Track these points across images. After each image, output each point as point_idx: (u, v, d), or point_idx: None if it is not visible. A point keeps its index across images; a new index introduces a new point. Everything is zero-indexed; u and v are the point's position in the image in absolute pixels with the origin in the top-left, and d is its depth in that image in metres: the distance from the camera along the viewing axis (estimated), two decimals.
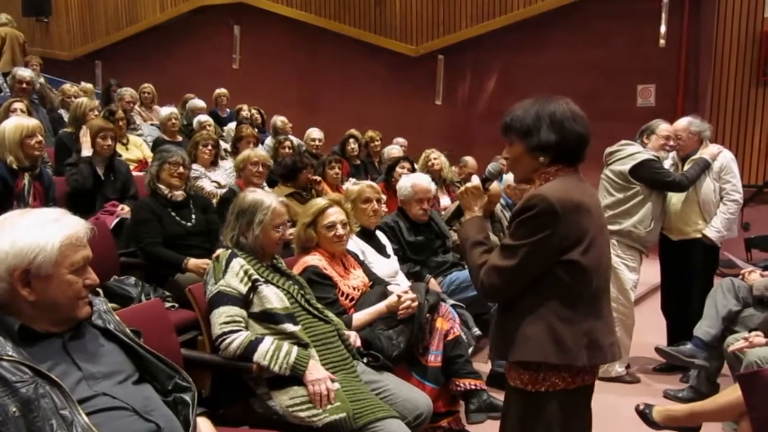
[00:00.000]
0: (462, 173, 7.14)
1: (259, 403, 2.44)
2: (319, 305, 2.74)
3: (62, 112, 6.41)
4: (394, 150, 6.94)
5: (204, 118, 6.85)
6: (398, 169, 5.59)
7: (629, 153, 4.15)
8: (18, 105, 4.91)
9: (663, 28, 8.41)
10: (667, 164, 4.33)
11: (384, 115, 9.66)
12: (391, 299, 2.94)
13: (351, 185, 4.18)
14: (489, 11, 9.48)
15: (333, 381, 2.41)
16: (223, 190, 4.76)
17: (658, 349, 3.88)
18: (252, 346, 2.40)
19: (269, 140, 7.06)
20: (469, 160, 7.23)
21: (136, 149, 5.66)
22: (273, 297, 2.53)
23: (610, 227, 3.96)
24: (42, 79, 8.39)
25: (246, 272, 2.53)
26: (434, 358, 3.07)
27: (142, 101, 7.42)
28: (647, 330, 4.62)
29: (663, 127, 4.24)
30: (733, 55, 7.97)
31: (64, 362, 1.61)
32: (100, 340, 1.74)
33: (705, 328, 3.68)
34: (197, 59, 11.53)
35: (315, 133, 7.21)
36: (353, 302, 3.03)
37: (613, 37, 8.76)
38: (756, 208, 7.71)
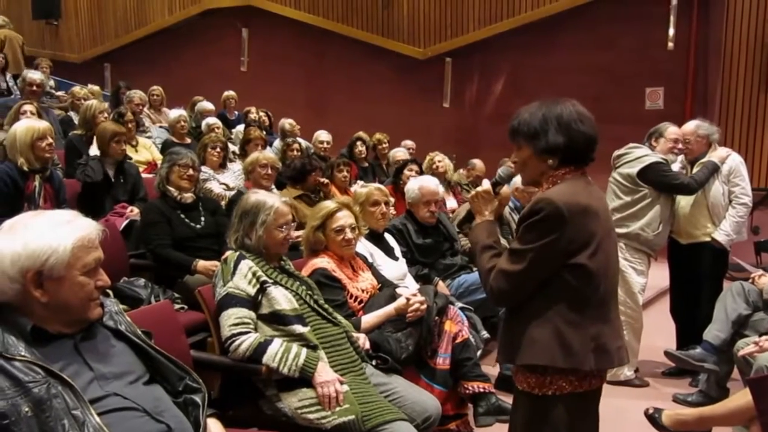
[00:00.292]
0: (470, 176, 7.14)
1: (268, 404, 2.44)
2: (328, 307, 2.74)
3: (72, 114, 6.45)
4: (399, 152, 6.94)
5: (212, 120, 6.87)
6: (406, 172, 5.59)
7: (637, 156, 4.14)
8: (28, 107, 4.95)
9: (672, 31, 8.41)
10: (676, 167, 4.32)
11: (392, 118, 9.67)
12: (400, 302, 2.94)
13: (359, 188, 4.18)
14: (497, 14, 9.48)
15: (342, 383, 2.41)
16: (232, 192, 4.77)
17: (667, 353, 3.87)
18: (261, 348, 2.41)
19: (277, 143, 7.09)
20: (477, 162, 7.22)
21: (145, 151, 5.68)
22: (282, 298, 2.53)
23: (618, 230, 3.95)
24: (52, 82, 8.47)
25: (254, 274, 2.54)
26: (443, 361, 3.07)
27: (151, 104, 7.45)
28: (656, 334, 4.60)
29: (671, 130, 4.23)
30: (742, 58, 7.94)
31: (75, 362, 1.62)
32: (112, 340, 1.75)
33: (715, 332, 3.66)
34: (205, 62, 11.58)
35: (323, 135, 7.22)
36: (362, 305, 3.03)
37: (621, 39, 8.76)
38: (766, 211, 7.68)
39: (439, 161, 6.21)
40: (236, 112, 8.52)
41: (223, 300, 2.50)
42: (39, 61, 8.63)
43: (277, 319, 2.51)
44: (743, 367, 3.27)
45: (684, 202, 4.26)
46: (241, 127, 7.36)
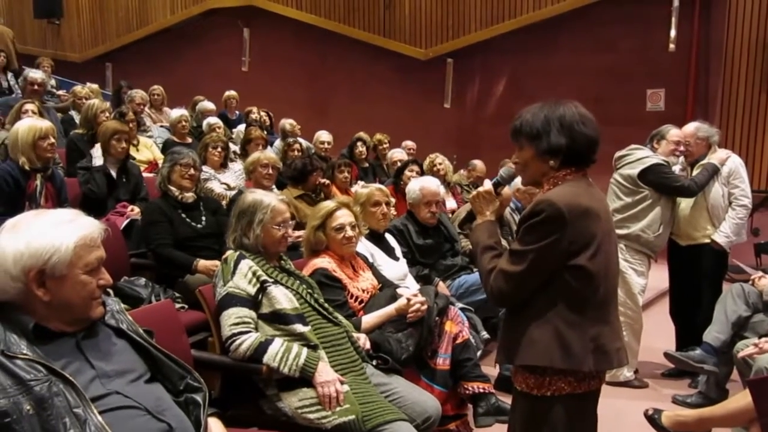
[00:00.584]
0: (470, 176, 7.15)
1: (269, 404, 2.45)
2: (328, 306, 2.74)
3: (73, 113, 6.45)
4: (397, 153, 6.94)
5: (213, 120, 6.88)
6: (407, 173, 5.59)
7: (638, 157, 4.15)
8: (29, 106, 4.95)
9: (673, 33, 8.41)
10: (676, 169, 4.32)
11: (392, 118, 9.68)
12: (401, 302, 2.94)
13: (360, 188, 4.19)
14: (498, 15, 9.48)
15: (342, 383, 2.41)
16: (233, 192, 4.78)
17: (667, 355, 3.87)
18: (262, 347, 2.41)
19: (278, 143, 7.09)
20: (478, 163, 7.23)
21: (146, 151, 5.69)
22: (282, 298, 2.54)
23: (619, 231, 3.95)
24: (53, 81, 8.46)
25: (254, 273, 2.54)
26: (443, 362, 3.06)
27: (152, 103, 7.45)
28: (656, 335, 4.61)
29: (673, 133, 4.23)
30: (743, 60, 7.95)
31: (77, 360, 1.62)
32: (113, 339, 1.75)
33: (714, 333, 3.67)
34: (207, 62, 11.59)
35: (324, 135, 7.22)
36: (362, 305, 3.03)
37: (622, 41, 8.76)
38: (766, 213, 7.69)
39: (440, 164, 6.22)
40: (237, 112, 8.53)
41: (223, 300, 2.50)
42: (40, 61, 8.63)
43: (277, 319, 2.51)
44: (743, 368, 3.28)
45: (684, 203, 4.27)
46: (242, 127, 7.37)
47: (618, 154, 4.29)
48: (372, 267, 3.33)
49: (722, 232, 4.15)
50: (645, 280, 4.23)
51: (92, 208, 4.01)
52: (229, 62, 11.48)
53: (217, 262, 3.45)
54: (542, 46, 9.26)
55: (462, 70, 10.05)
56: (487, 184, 2.14)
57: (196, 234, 3.73)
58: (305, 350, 2.45)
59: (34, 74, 6.13)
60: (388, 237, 3.80)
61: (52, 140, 3.76)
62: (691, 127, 4.34)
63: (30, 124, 3.76)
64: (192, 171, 3.81)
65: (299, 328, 2.51)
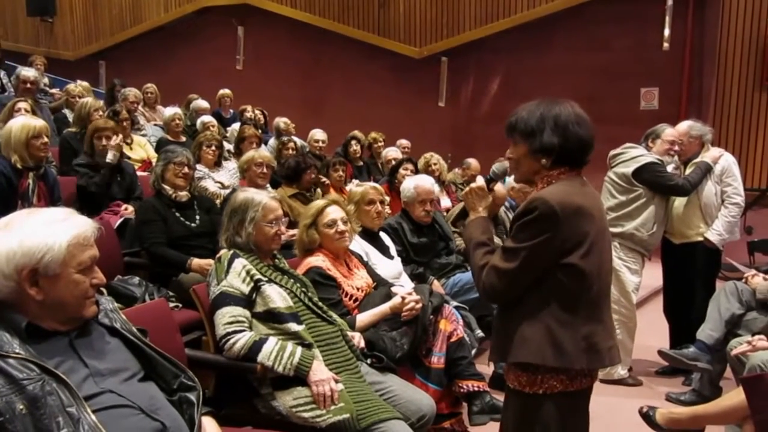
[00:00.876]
0: (465, 175, 7.16)
1: (263, 403, 2.44)
2: (322, 305, 2.74)
3: (66, 111, 6.42)
4: (391, 152, 6.94)
5: (207, 118, 6.86)
6: (401, 171, 5.60)
7: (633, 156, 4.16)
8: (22, 104, 4.92)
9: (667, 32, 8.43)
10: (670, 168, 4.33)
11: (387, 117, 9.67)
12: (395, 300, 2.94)
13: (354, 187, 4.18)
14: (493, 13, 9.49)
15: (337, 382, 2.41)
16: (227, 191, 4.77)
17: (660, 352, 3.88)
18: (256, 346, 2.40)
19: (272, 141, 7.08)
20: (472, 162, 7.24)
21: (140, 149, 5.68)
22: (276, 296, 2.53)
23: (613, 230, 3.96)
24: (46, 79, 8.42)
25: (248, 272, 2.54)
26: (437, 360, 3.07)
27: (146, 101, 7.43)
28: (650, 333, 4.62)
29: (668, 132, 4.24)
30: (737, 59, 7.97)
31: (70, 359, 1.62)
32: (107, 338, 1.75)
33: (708, 331, 3.68)
34: (201, 60, 11.56)
35: (318, 134, 7.21)
36: (357, 303, 3.03)
37: (616, 40, 8.78)
38: (759, 211, 7.71)
39: (435, 164, 6.23)
40: (231, 111, 8.50)
41: (217, 299, 2.50)
42: (33, 59, 8.58)
43: (272, 318, 2.51)
44: (736, 366, 3.29)
45: (677, 202, 4.28)
46: (236, 126, 7.35)
47: (612, 152, 4.29)
48: (366, 265, 3.33)
49: (715, 230, 4.16)
50: (639, 279, 4.24)
51: (89, 207, 4.02)
52: (223, 60, 11.45)
53: (211, 261, 3.44)
54: (537, 44, 9.27)
55: (456, 68, 10.06)
56: (480, 181, 2.14)
57: (190, 233, 3.72)
58: (299, 349, 2.44)
59: (27, 72, 6.09)
60: (383, 235, 3.80)
61: (46, 139, 3.74)
62: (684, 125, 4.35)
63: (23, 122, 3.74)
64: (186, 169, 3.80)
65: (293, 327, 2.50)
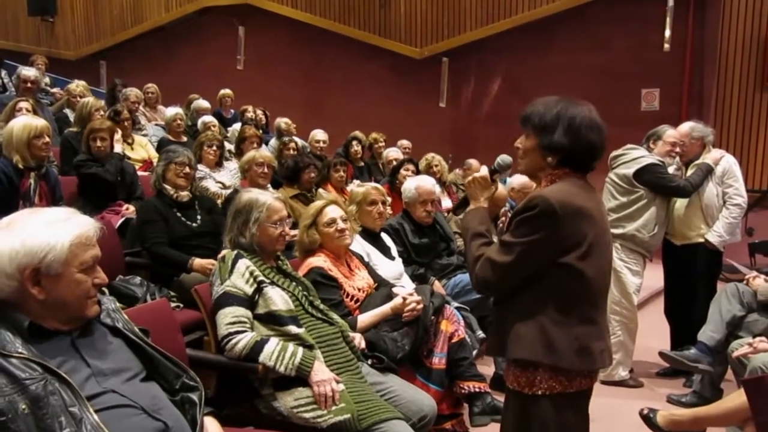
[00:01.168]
0: (466, 176, 7.14)
1: (264, 403, 2.44)
2: (323, 307, 2.74)
3: (68, 111, 6.42)
4: (392, 152, 6.94)
5: (208, 118, 6.86)
6: (402, 172, 5.59)
7: (634, 157, 4.16)
8: (24, 104, 4.92)
9: (668, 33, 8.44)
10: (671, 169, 4.33)
11: (388, 117, 9.66)
12: (396, 301, 2.94)
13: (356, 187, 4.18)
14: (494, 14, 9.49)
15: (338, 382, 2.41)
16: (228, 191, 4.77)
17: (661, 354, 3.88)
18: (258, 346, 2.40)
19: (273, 141, 7.08)
20: (473, 162, 7.24)
21: (141, 149, 5.67)
22: (278, 299, 2.53)
23: (614, 231, 3.96)
24: (47, 79, 8.42)
25: (252, 273, 2.54)
26: (438, 361, 3.07)
27: (146, 101, 7.42)
28: (651, 334, 4.62)
29: (670, 133, 4.24)
30: (738, 60, 7.97)
31: (73, 359, 1.61)
32: (109, 337, 1.75)
33: (709, 333, 3.68)
34: (202, 60, 11.56)
35: (319, 134, 7.21)
36: (358, 304, 3.03)
37: (617, 41, 8.79)
38: (760, 213, 7.71)
39: (436, 165, 6.23)
40: (232, 111, 8.50)
41: (220, 298, 2.50)
42: (34, 58, 8.58)
43: (272, 320, 2.51)
44: (737, 368, 3.29)
45: (678, 203, 4.28)
46: (237, 126, 7.35)
47: (614, 153, 4.29)
48: (368, 266, 3.33)
49: (715, 232, 4.16)
50: (640, 280, 4.24)
51: (96, 200, 4.06)
52: (224, 61, 11.45)
53: (213, 261, 3.45)
54: (537, 45, 9.27)
55: (457, 69, 10.06)
56: (484, 170, 2.14)
57: (191, 233, 3.72)
58: (301, 349, 2.44)
59: (27, 72, 6.08)
60: (384, 236, 3.80)
61: (47, 139, 3.74)
62: (685, 126, 4.35)
63: (25, 122, 3.74)
64: (187, 169, 3.80)
65: (293, 329, 2.50)
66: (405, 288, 3.23)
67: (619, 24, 8.70)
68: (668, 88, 8.66)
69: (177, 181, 3.76)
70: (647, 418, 3.06)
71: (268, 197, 2.71)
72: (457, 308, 3.48)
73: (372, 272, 3.30)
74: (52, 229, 1.59)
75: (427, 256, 4.07)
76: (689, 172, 4.25)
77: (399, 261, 3.73)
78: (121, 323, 1.81)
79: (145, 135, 6.26)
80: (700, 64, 8.48)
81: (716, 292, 3.96)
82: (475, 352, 3.41)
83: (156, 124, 6.96)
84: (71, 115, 6.03)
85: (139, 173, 4.84)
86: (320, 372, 2.40)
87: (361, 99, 10.41)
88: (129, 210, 4.14)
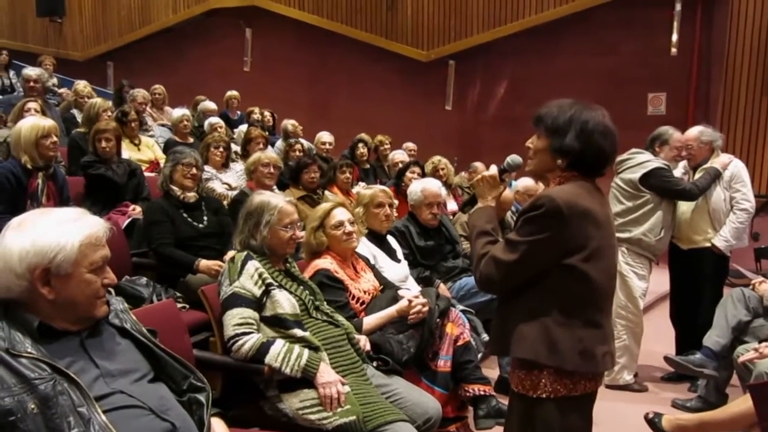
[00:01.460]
0: (471, 179, 7.14)
1: (269, 405, 2.45)
2: (329, 309, 2.75)
3: (75, 112, 6.45)
4: (398, 155, 6.95)
5: (215, 120, 6.87)
6: (408, 174, 5.59)
7: (639, 161, 4.16)
8: (32, 105, 4.94)
9: (675, 37, 8.44)
10: (679, 173, 4.33)
11: (394, 120, 9.68)
12: (402, 304, 2.94)
13: (362, 189, 4.19)
14: (500, 17, 9.50)
15: (343, 384, 2.42)
16: (234, 192, 4.78)
17: (667, 358, 3.87)
18: (264, 348, 2.41)
19: (279, 143, 7.09)
20: (479, 165, 7.23)
21: (148, 150, 5.69)
22: (285, 302, 2.54)
23: (620, 235, 3.97)
24: (55, 80, 8.45)
25: (260, 275, 2.55)
26: (444, 363, 3.07)
27: (153, 102, 7.45)
28: (656, 339, 4.62)
29: (677, 137, 4.25)
30: (745, 64, 7.95)
31: (81, 359, 1.62)
32: (117, 338, 1.75)
33: (715, 337, 3.67)
34: (208, 61, 11.60)
35: (325, 136, 7.22)
36: (364, 306, 3.03)
37: (624, 44, 8.78)
38: (766, 218, 7.68)
39: (442, 168, 6.23)
40: (239, 112, 8.53)
41: (228, 299, 2.51)
42: (42, 59, 8.63)
43: (278, 323, 2.52)
44: (743, 373, 3.28)
45: (685, 207, 4.28)
46: (243, 127, 7.36)
47: (619, 158, 4.29)
48: (373, 268, 3.33)
49: (722, 236, 4.16)
50: (646, 284, 4.24)
51: (106, 200, 4.12)
52: (230, 62, 11.48)
53: (219, 262, 3.47)
54: (544, 48, 9.27)
55: (464, 72, 10.06)
56: (493, 169, 2.14)
57: (197, 234, 3.73)
58: (307, 351, 2.45)
59: (30, 71, 6.10)
60: (390, 239, 3.80)
61: (55, 139, 3.75)
62: (695, 130, 4.34)
63: (33, 122, 3.76)
64: (194, 170, 3.81)
65: (299, 333, 2.51)
66: (410, 290, 3.24)
67: (625, 28, 8.70)
68: (675, 93, 8.65)
69: (184, 182, 3.78)
70: (652, 422, 3.05)
71: (280, 200, 2.72)
72: (463, 311, 3.48)
73: (378, 274, 3.30)
74: (63, 229, 1.60)
75: (433, 259, 4.08)
76: (697, 176, 4.24)
77: (405, 263, 3.73)
78: (129, 324, 1.81)
79: (151, 136, 6.29)
80: (707, 68, 8.47)
81: (722, 296, 3.95)
82: (480, 356, 3.41)
83: (162, 125, 6.98)
84: (79, 116, 6.05)
85: (146, 174, 4.85)
86: (326, 374, 2.40)
87: (368, 101, 10.43)
88: (135, 210, 4.15)
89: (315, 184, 5.01)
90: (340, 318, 2.76)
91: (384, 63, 10.39)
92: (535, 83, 9.16)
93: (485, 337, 3.62)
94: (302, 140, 6.86)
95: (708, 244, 4.20)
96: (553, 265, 1.84)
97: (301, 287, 2.70)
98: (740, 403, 2.81)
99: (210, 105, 7.75)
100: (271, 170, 4.49)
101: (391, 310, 2.95)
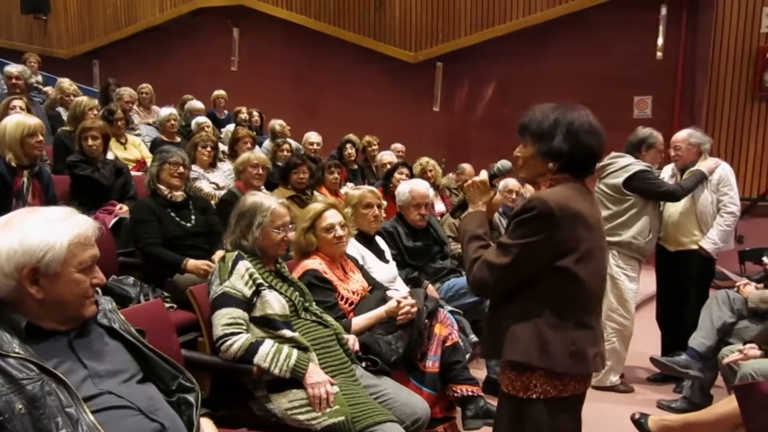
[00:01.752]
0: (459, 180, 7.17)
1: (258, 405, 2.44)
2: (317, 310, 2.74)
3: (60, 110, 6.39)
4: (386, 156, 6.95)
5: (202, 119, 6.85)
6: (396, 175, 5.60)
7: (621, 165, 4.18)
8: (17, 102, 4.90)
9: (660, 41, 8.50)
10: (667, 175, 4.36)
11: (382, 121, 9.68)
12: (391, 304, 2.95)
13: (350, 190, 4.18)
14: (488, 19, 9.53)
15: (332, 384, 2.41)
16: (222, 192, 4.76)
17: (652, 359, 3.90)
18: (252, 348, 2.40)
19: (267, 143, 7.07)
20: (467, 167, 7.26)
21: (134, 149, 5.66)
22: (275, 303, 2.53)
23: (610, 239, 3.98)
24: (39, 77, 8.37)
25: (251, 275, 2.54)
26: (432, 364, 3.07)
27: (140, 101, 7.40)
28: (642, 340, 4.64)
29: (661, 140, 4.28)
30: (729, 69, 8.02)
31: (69, 360, 1.61)
32: (105, 338, 1.74)
33: (700, 339, 3.70)
34: (196, 60, 11.54)
35: (313, 136, 7.21)
36: (352, 306, 3.03)
37: (611, 48, 8.84)
38: (750, 221, 7.75)
39: (431, 170, 6.25)
40: (226, 112, 8.50)
41: (218, 299, 2.50)
42: (27, 56, 8.54)
43: (267, 323, 2.51)
44: (727, 374, 3.31)
45: (673, 209, 4.31)
46: (230, 127, 7.32)
47: (600, 163, 4.29)
48: (362, 269, 3.33)
49: (709, 239, 4.19)
50: (636, 286, 4.27)
51: (92, 199, 4.07)
52: (218, 62, 11.43)
53: (207, 262, 3.45)
54: (531, 51, 9.31)
55: (451, 73, 10.08)
56: (483, 175, 2.15)
57: (185, 233, 3.71)
58: (296, 351, 2.45)
59: (11, 68, 6.04)
60: (378, 239, 3.80)
61: (41, 138, 3.72)
62: (683, 133, 4.37)
63: (18, 120, 3.72)
64: (181, 169, 3.79)
65: (288, 333, 2.51)
66: (399, 291, 3.24)
67: (612, 31, 8.76)
68: (661, 96, 8.72)
69: (171, 181, 3.75)
70: (638, 423, 3.07)
71: (272, 202, 2.71)
72: (451, 312, 3.48)
73: (366, 275, 3.30)
74: (51, 228, 1.59)
75: (421, 260, 4.08)
76: (683, 178, 4.27)
77: (393, 264, 3.73)
78: (117, 324, 1.80)
79: (138, 135, 6.24)
80: (692, 71, 8.55)
81: (708, 298, 3.99)
82: (468, 356, 3.41)
83: (149, 124, 6.93)
84: (64, 114, 6.00)
85: (133, 173, 4.82)
86: (315, 374, 2.40)
87: (355, 102, 10.42)
88: (122, 210, 4.12)
89: (304, 185, 4.99)
90: (329, 318, 2.76)
91: (372, 64, 10.39)
92: (522, 86, 9.19)
93: (473, 337, 3.64)
94: (290, 140, 6.84)
95: (695, 246, 4.23)
96: (546, 267, 1.85)
97: (291, 288, 2.69)
98: (725, 404, 2.84)
99: (197, 104, 7.71)
100: (260, 171, 4.48)
101: (379, 311, 2.96)
